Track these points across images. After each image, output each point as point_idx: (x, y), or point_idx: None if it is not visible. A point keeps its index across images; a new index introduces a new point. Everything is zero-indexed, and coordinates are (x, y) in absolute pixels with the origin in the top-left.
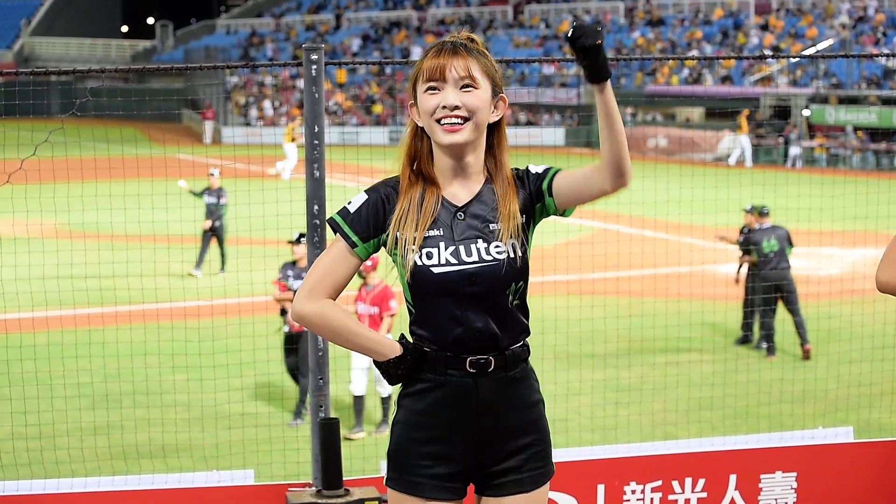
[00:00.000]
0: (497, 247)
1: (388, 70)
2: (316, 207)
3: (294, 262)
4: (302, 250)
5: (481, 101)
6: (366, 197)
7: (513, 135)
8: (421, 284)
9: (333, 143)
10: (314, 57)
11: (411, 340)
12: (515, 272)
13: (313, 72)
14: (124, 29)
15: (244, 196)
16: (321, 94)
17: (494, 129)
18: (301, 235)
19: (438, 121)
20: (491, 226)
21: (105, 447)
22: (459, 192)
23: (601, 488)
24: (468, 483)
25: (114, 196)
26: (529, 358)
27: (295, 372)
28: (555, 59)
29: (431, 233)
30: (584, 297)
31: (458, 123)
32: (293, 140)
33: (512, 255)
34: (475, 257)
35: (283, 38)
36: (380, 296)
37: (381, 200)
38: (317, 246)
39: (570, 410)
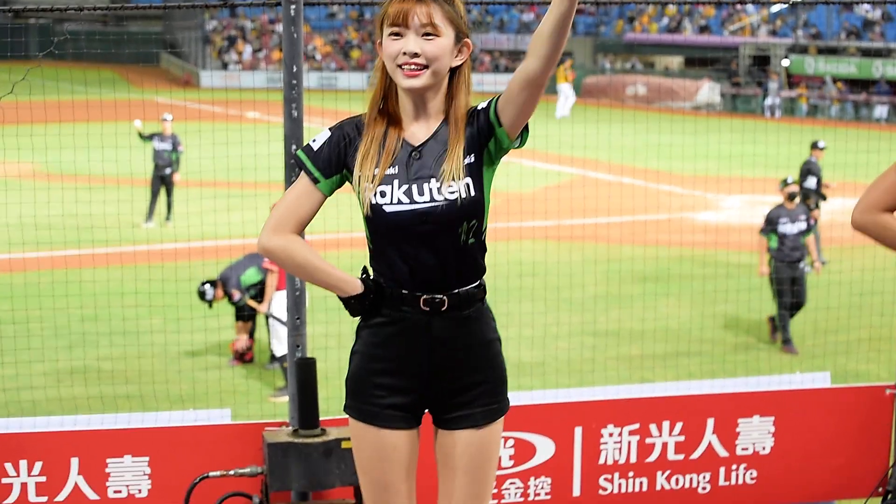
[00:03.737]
0: (449, 187)
1: (367, 15)
2: (294, 147)
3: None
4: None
5: (441, 48)
6: (329, 134)
7: (493, 81)
8: (376, 222)
9: (312, 87)
10: None
11: (372, 275)
12: (467, 211)
13: (292, 12)
14: None
15: (222, 137)
16: (300, 35)
17: (457, 72)
18: (207, 283)
19: (400, 65)
20: (443, 165)
21: (82, 388)
22: (418, 132)
23: (578, 431)
24: (422, 413)
25: (91, 137)
26: (486, 299)
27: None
28: (534, 2)
29: (388, 171)
30: (562, 242)
31: (416, 69)
32: (567, 80)
33: (464, 195)
34: (426, 196)
35: None
36: None
37: (344, 137)
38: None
39: (548, 354)
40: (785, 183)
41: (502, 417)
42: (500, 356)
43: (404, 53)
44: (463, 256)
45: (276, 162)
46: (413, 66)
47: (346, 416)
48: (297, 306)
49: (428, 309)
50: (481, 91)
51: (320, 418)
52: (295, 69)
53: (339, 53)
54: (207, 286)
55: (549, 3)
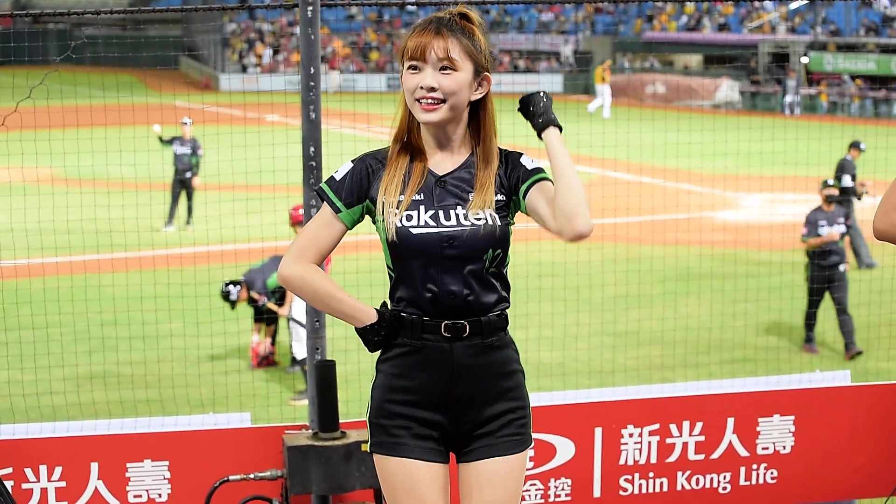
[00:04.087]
0: (475, 213)
1: (385, 16)
2: (312, 149)
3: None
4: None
5: (458, 83)
6: (351, 166)
7: (510, 81)
8: (401, 245)
9: (331, 90)
10: None
11: (391, 307)
12: (493, 239)
13: (309, 13)
14: None
15: (241, 140)
16: (317, 36)
17: (480, 105)
18: (231, 284)
19: (418, 99)
20: (470, 195)
21: (102, 392)
22: (443, 162)
23: (599, 431)
24: (449, 447)
25: (109, 141)
26: (509, 330)
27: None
28: (552, 1)
29: (415, 197)
30: (581, 242)
31: (434, 103)
32: (604, 80)
33: (490, 223)
34: (453, 221)
35: None
36: None
37: (367, 169)
38: (312, 188)
39: (568, 355)
40: (825, 185)
41: (525, 452)
42: (523, 388)
43: (422, 88)
44: (486, 285)
45: (295, 164)
46: (430, 101)
47: (373, 454)
48: (315, 310)
49: (449, 335)
50: (499, 91)
51: (340, 421)
52: (312, 71)
53: (358, 55)
54: (232, 287)
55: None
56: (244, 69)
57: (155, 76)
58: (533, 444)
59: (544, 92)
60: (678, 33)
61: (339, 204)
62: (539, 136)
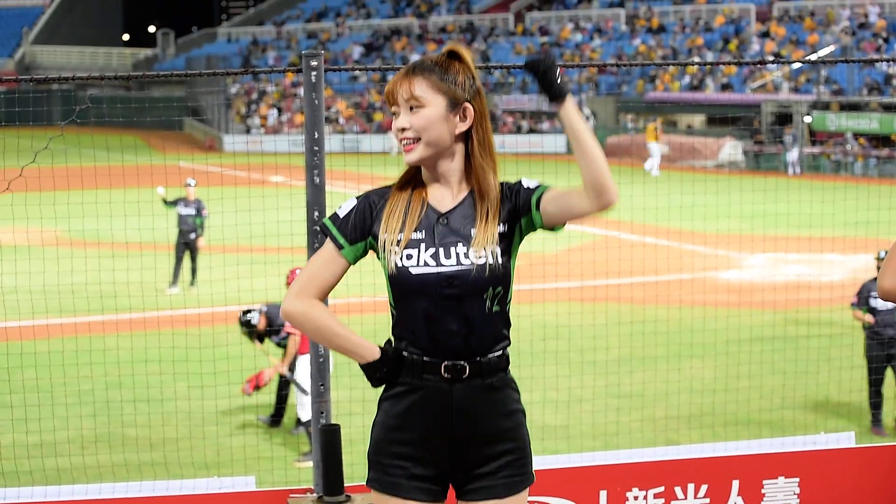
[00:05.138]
0: (476, 252)
1: (388, 77)
2: (316, 214)
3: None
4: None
5: (426, 119)
6: (355, 202)
7: (514, 142)
8: (401, 285)
9: (335, 150)
10: (314, 63)
11: (393, 343)
12: (493, 278)
13: (313, 78)
14: (125, 37)
15: (244, 203)
16: (321, 101)
17: (470, 137)
18: (247, 312)
19: (400, 142)
20: (472, 231)
21: (107, 455)
22: (444, 199)
23: (603, 494)
24: (447, 486)
25: (114, 204)
26: (510, 370)
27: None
28: (558, 64)
29: (414, 235)
30: (585, 303)
31: (409, 143)
32: (656, 139)
33: (491, 262)
34: (453, 260)
35: (285, 46)
36: None
37: (369, 206)
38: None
39: (572, 417)
40: (879, 257)
41: (526, 490)
42: (523, 427)
43: (397, 129)
44: (487, 324)
45: (299, 228)
46: (406, 141)
47: (370, 489)
48: (320, 372)
49: (449, 376)
50: (503, 152)
51: (345, 485)
52: (317, 135)
53: (362, 116)
54: (253, 313)
55: (568, 66)
56: (248, 130)
57: (159, 137)
58: (534, 479)
59: (551, 59)
60: (681, 93)
61: (341, 240)
62: (551, 102)
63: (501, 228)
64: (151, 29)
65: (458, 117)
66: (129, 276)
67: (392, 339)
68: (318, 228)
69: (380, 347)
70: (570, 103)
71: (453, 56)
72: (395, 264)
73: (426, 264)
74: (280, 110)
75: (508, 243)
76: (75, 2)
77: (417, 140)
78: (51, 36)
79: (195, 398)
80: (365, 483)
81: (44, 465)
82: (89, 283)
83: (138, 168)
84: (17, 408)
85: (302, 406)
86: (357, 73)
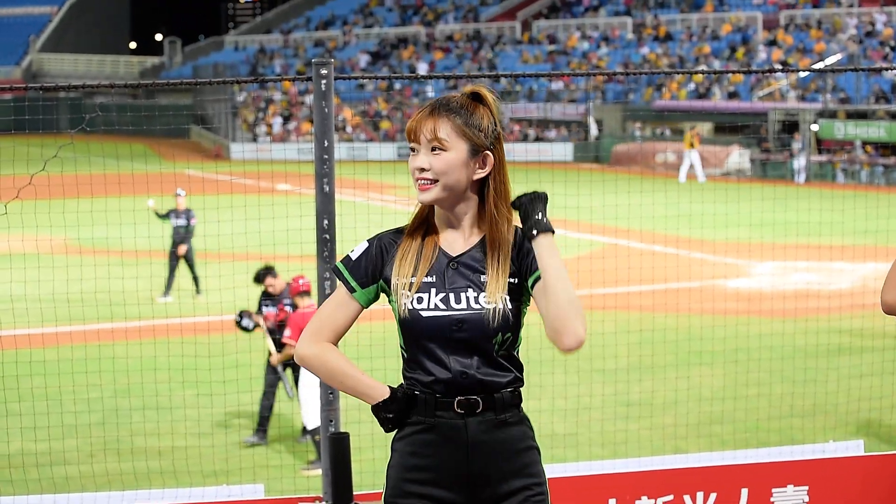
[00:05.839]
0: (486, 297)
1: (396, 86)
2: (326, 222)
3: (267, 294)
4: (272, 283)
5: (447, 163)
6: (366, 245)
7: (522, 150)
8: (411, 328)
9: (342, 158)
10: (323, 71)
11: (405, 386)
12: (503, 324)
13: (322, 86)
14: (133, 45)
15: (253, 211)
16: (331, 109)
17: (486, 184)
18: (261, 273)
19: (416, 181)
20: (482, 277)
21: (114, 463)
22: (456, 243)
23: (612, 503)
24: None
25: (123, 212)
26: (523, 407)
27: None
28: (563, 73)
29: (426, 279)
30: (594, 311)
31: (427, 183)
32: (692, 146)
33: (501, 307)
34: (463, 304)
35: (292, 54)
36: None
37: (381, 249)
38: (326, 261)
39: (581, 425)
40: None
41: None
42: (539, 465)
43: (415, 169)
44: (496, 367)
45: (308, 237)
46: (424, 181)
47: None
48: None
49: (462, 411)
50: (511, 160)
51: (354, 492)
52: (326, 143)
53: (369, 124)
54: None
55: (575, 74)
56: (255, 138)
57: (167, 145)
58: None
59: (538, 194)
60: (688, 101)
61: (353, 284)
62: (528, 235)
63: (513, 280)
64: (158, 37)
65: (477, 164)
66: (137, 284)
67: (404, 384)
68: (327, 236)
69: (390, 388)
70: (544, 241)
71: (477, 98)
72: (406, 307)
73: (436, 308)
74: (287, 119)
75: (519, 293)
76: (82, 10)
77: (434, 182)
78: (58, 44)
79: (203, 406)
80: None
81: (52, 473)
82: (98, 291)
83: (148, 176)
84: (26, 416)
85: (306, 414)
86: (364, 81)
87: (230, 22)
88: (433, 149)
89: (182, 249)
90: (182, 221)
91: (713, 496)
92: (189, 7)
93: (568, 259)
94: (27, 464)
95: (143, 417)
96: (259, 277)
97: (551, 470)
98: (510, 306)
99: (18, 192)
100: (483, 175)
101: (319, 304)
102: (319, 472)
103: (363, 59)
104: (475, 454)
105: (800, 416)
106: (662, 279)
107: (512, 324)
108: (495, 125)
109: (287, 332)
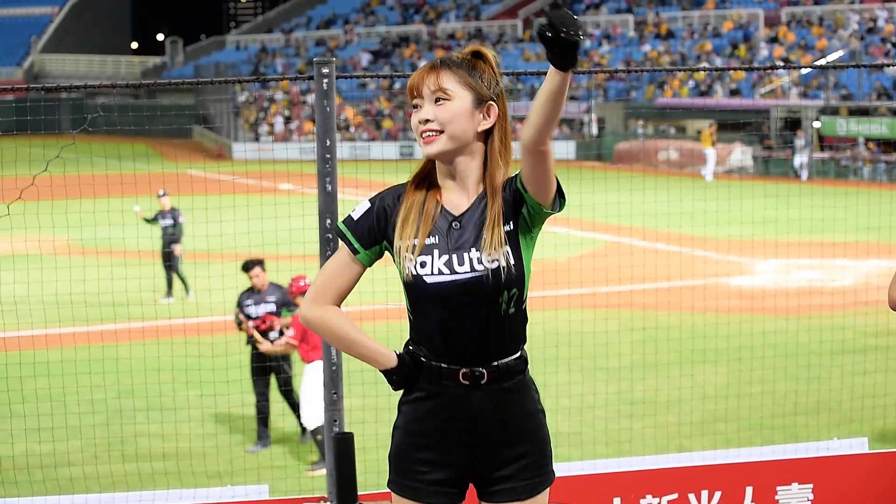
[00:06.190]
0: (490, 256)
1: (397, 85)
2: (328, 221)
3: (251, 289)
4: (258, 281)
5: (452, 112)
6: (369, 205)
7: None
8: (416, 293)
9: (345, 157)
10: (325, 70)
11: (411, 348)
12: (508, 281)
13: (324, 85)
14: (134, 45)
15: (256, 211)
16: (332, 108)
17: (490, 136)
18: (250, 263)
19: (421, 134)
20: (484, 234)
21: (119, 463)
22: (458, 201)
23: (617, 502)
24: (467, 487)
25: (126, 213)
26: (528, 370)
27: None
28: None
29: (428, 241)
30: (597, 310)
31: (432, 135)
32: (712, 144)
33: (504, 264)
34: (466, 267)
35: (293, 53)
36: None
37: (384, 209)
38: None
39: (585, 424)
40: None
41: (547, 490)
42: (543, 428)
43: (420, 121)
44: (504, 327)
45: (311, 236)
46: (429, 133)
47: (389, 490)
48: (333, 381)
49: (468, 383)
50: (516, 160)
51: (359, 493)
52: (328, 143)
53: (371, 123)
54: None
55: (577, 72)
56: (257, 138)
57: (169, 145)
58: (555, 477)
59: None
60: (690, 99)
61: (356, 245)
62: (559, 67)
63: (509, 227)
64: (160, 37)
65: (482, 114)
66: (140, 285)
67: (410, 343)
68: (330, 235)
69: (397, 354)
70: (564, 78)
71: (477, 56)
72: (410, 272)
73: (440, 272)
74: (289, 118)
75: (517, 240)
76: (83, 10)
77: (440, 132)
78: (59, 44)
79: (207, 406)
80: (386, 484)
81: (56, 474)
82: (101, 292)
83: (150, 176)
84: (29, 417)
85: (306, 413)
86: (366, 80)
87: (231, 21)
88: (437, 100)
89: (178, 249)
90: (169, 221)
91: (718, 494)
92: (190, 7)
93: (571, 257)
94: (31, 465)
95: (147, 418)
96: (247, 266)
97: (556, 469)
98: (513, 260)
99: (21, 192)
100: (488, 126)
101: None
102: (324, 471)
103: (365, 58)
104: (478, 423)
105: (804, 413)
106: (665, 277)
107: (516, 278)
108: (497, 81)
109: (290, 332)
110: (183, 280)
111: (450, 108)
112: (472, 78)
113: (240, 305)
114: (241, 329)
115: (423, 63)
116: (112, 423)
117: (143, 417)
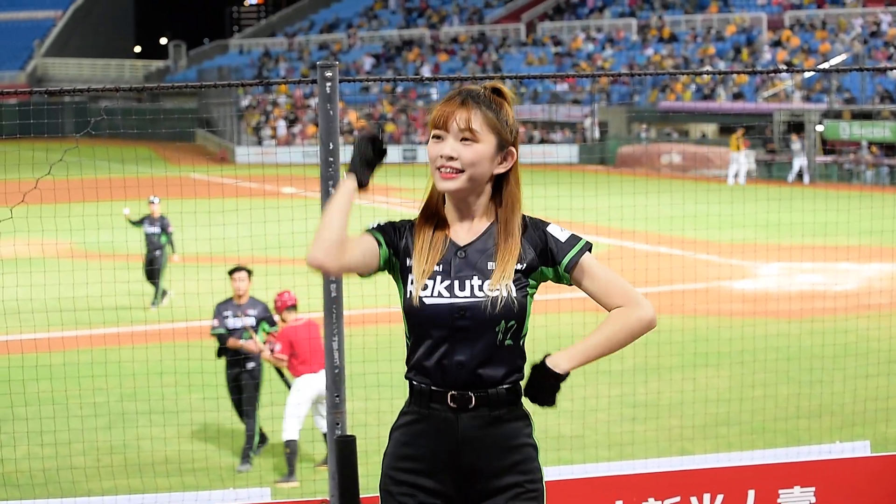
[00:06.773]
0: (491, 286)
1: (400, 88)
2: None
3: (230, 300)
4: (241, 285)
5: (477, 155)
6: (392, 221)
7: (527, 152)
8: (414, 314)
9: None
10: (328, 74)
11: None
12: (507, 311)
13: (328, 89)
14: (137, 49)
15: (260, 215)
16: (336, 112)
17: (504, 178)
18: (237, 269)
19: (438, 168)
20: (489, 265)
21: (121, 466)
22: (463, 232)
23: None
24: None
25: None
26: (523, 404)
27: (241, 408)
28: (568, 75)
29: (435, 268)
30: (599, 313)
31: (452, 172)
32: (738, 149)
33: (505, 295)
34: (467, 292)
35: (296, 57)
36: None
37: (399, 229)
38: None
39: (587, 427)
40: None
41: None
42: (535, 462)
43: (441, 156)
44: (498, 357)
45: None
46: (449, 170)
47: None
48: (336, 384)
49: (455, 405)
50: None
51: (360, 496)
52: (331, 146)
53: (374, 127)
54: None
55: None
56: (260, 141)
57: (172, 149)
58: None
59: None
60: (693, 102)
61: (380, 238)
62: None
63: (520, 266)
64: (163, 41)
65: (500, 159)
66: (143, 288)
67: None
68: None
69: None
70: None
71: (498, 94)
72: (411, 293)
73: (440, 295)
74: (292, 122)
75: (525, 281)
76: (87, 14)
77: (460, 172)
78: (62, 48)
79: (209, 410)
80: None
81: (59, 477)
82: (104, 296)
83: (153, 180)
84: (32, 420)
85: (286, 422)
86: (369, 83)
87: (235, 25)
88: (464, 139)
89: (175, 258)
90: (156, 229)
91: (720, 498)
92: (193, 11)
93: None
94: (33, 468)
95: (150, 421)
96: (233, 270)
97: (558, 472)
98: (514, 294)
99: (24, 196)
100: (504, 170)
101: (322, 303)
102: (294, 484)
103: (368, 62)
104: (466, 449)
105: (806, 416)
106: (668, 280)
107: (517, 311)
108: (515, 124)
109: (278, 347)
110: (157, 288)
111: (476, 150)
112: (499, 121)
113: (218, 316)
114: (222, 344)
115: (425, 69)
116: (114, 427)
117: (145, 421)
